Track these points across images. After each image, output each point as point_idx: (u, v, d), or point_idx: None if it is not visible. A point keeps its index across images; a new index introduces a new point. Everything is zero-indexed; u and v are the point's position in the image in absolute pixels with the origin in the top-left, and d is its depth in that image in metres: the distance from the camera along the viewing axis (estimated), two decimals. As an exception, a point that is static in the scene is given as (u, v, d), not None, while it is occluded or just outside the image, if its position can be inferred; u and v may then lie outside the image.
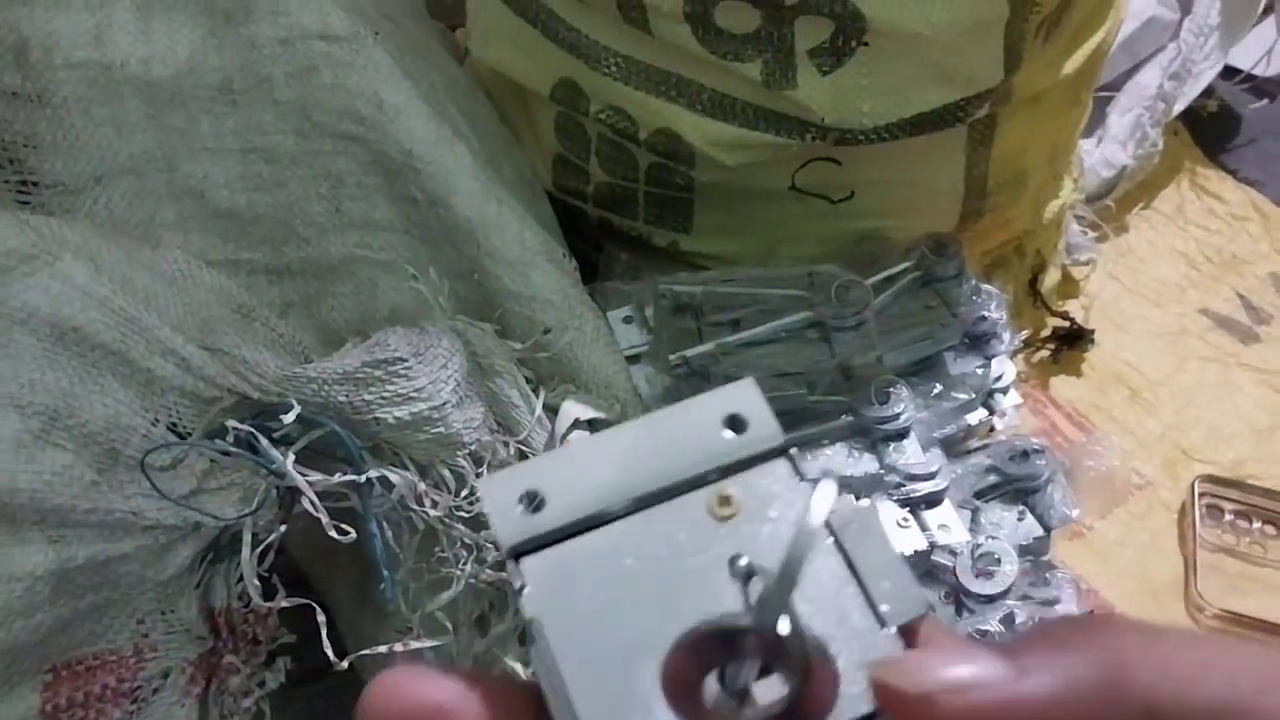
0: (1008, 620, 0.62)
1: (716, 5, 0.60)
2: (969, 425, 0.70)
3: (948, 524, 0.64)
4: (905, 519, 0.63)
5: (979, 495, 0.69)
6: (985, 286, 0.71)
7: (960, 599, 0.63)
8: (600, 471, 0.27)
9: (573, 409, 0.59)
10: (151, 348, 0.49)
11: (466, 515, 0.55)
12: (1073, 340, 0.95)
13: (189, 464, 0.50)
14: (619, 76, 0.67)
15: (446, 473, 0.55)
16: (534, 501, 0.27)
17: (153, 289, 0.52)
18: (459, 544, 0.55)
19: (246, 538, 0.51)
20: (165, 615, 0.50)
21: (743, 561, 0.26)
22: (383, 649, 0.54)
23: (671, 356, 0.63)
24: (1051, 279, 0.92)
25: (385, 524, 0.54)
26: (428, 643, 0.55)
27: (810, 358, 0.63)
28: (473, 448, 0.55)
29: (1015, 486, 0.69)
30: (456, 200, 0.61)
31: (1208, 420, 0.93)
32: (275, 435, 0.51)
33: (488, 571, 0.56)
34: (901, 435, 0.63)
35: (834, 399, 0.63)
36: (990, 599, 0.63)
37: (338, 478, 0.52)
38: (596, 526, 0.27)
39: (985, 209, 0.76)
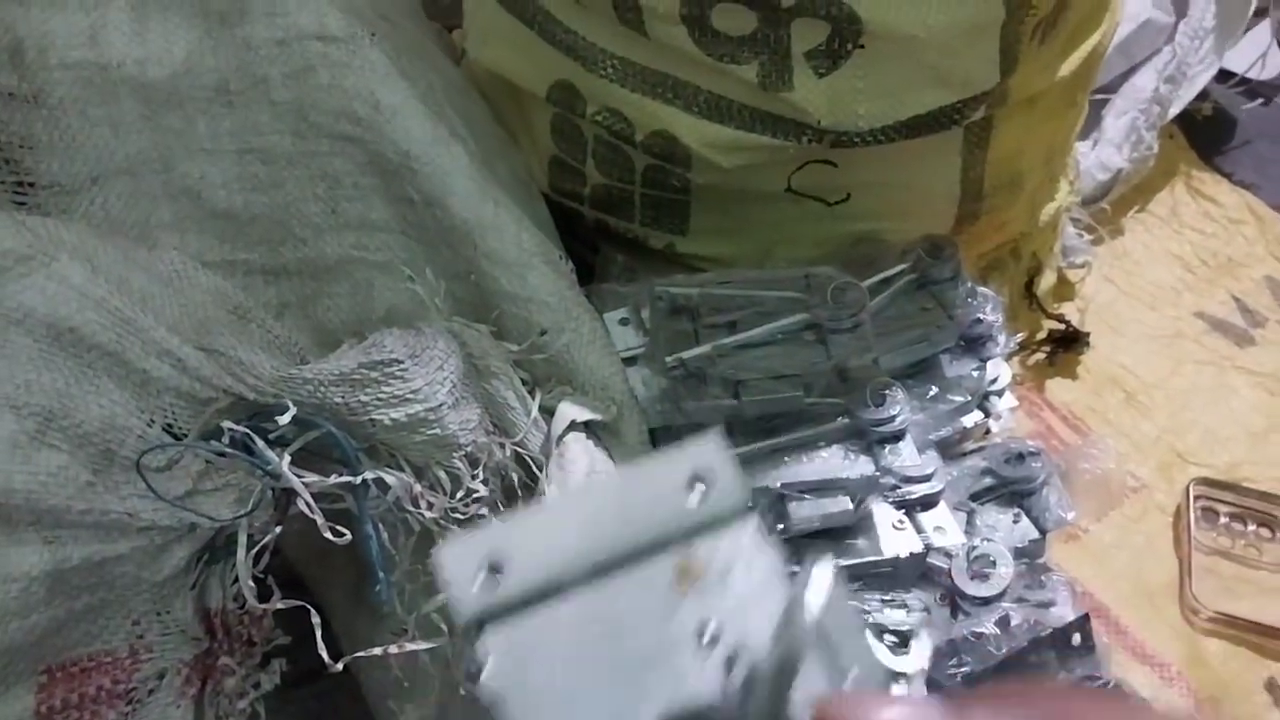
0: (1003, 622, 0.62)
1: (713, 7, 0.60)
2: (965, 428, 0.70)
3: (943, 526, 0.64)
4: (901, 521, 0.63)
5: (974, 498, 0.69)
6: (981, 289, 0.71)
7: (956, 601, 0.63)
8: (562, 536, 0.26)
9: (569, 410, 0.59)
10: (147, 348, 0.49)
11: (462, 517, 0.55)
12: (1068, 343, 0.95)
13: (184, 465, 0.50)
14: (615, 78, 0.67)
15: (442, 474, 0.55)
16: (494, 569, 0.26)
17: (149, 290, 0.52)
18: (455, 545, 0.55)
19: (242, 539, 0.51)
20: (160, 616, 0.50)
21: (709, 630, 0.25)
22: (378, 651, 0.54)
23: (668, 358, 0.63)
24: (1047, 282, 0.92)
25: (381, 525, 0.54)
26: (423, 645, 0.55)
27: (806, 359, 0.63)
28: (469, 449, 0.55)
29: (1011, 489, 0.69)
30: (453, 201, 0.61)
31: (1203, 423, 0.93)
32: (271, 436, 0.51)
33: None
34: (897, 437, 0.63)
35: (830, 401, 0.63)
36: (986, 601, 0.63)
37: (333, 479, 0.51)
38: (559, 593, 0.26)
39: (981, 211, 0.76)
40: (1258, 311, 1.02)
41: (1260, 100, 1.14)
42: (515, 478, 0.58)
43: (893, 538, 0.62)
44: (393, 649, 0.55)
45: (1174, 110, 1.01)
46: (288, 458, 0.51)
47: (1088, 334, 0.95)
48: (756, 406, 0.62)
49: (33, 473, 0.44)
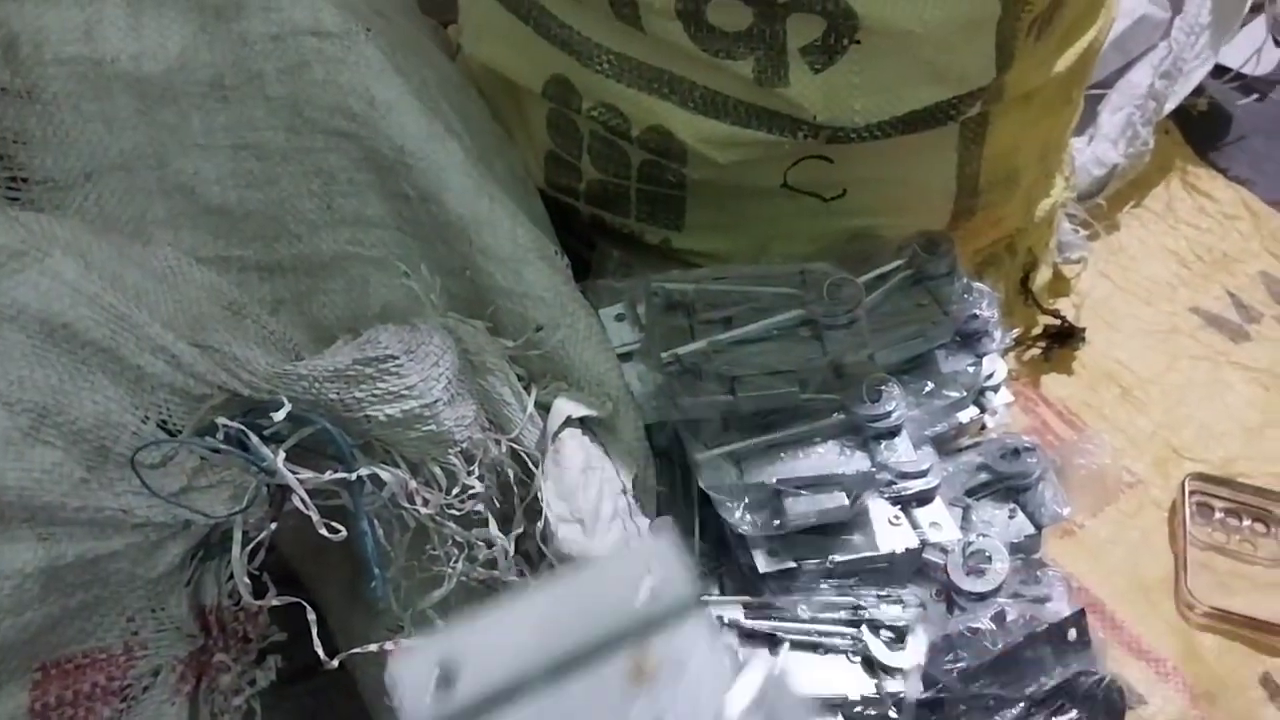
0: (999, 618, 0.62)
1: (709, 3, 0.60)
2: (960, 423, 0.70)
3: (939, 522, 0.64)
4: (897, 517, 0.63)
5: (970, 493, 0.69)
6: (977, 285, 0.71)
7: (951, 597, 0.64)
8: (515, 639, 0.27)
9: (564, 406, 0.59)
10: (141, 345, 0.49)
11: (458, 513, 0.55)
12: (1064, 338, 0.95)
13: (179, 461, 0.50)
14: (611, 74, 0.67)
15: (438, 470, 0.55)
16: (448, 676, 0.26)
17: (143, 286, 0.52)
18: (450, 542, 0.55)
19: (237, 535, 0.51)
20: (155, 613, 0.50)
21: None
22: (373, 647, 0.54)
23: (664, 354, 0.63)
24: (1043, 277, 0.92)
25: (376, 522, 0.54)
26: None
27: (802, 355, 0.63)
28: (464, 445, 0.54)
29: (1006, 484, 0.69)
30: (448, 197, 0.61)
31: (1198, 418, 0.94)
32: (266, 433, 0.51)
33: (479, 570, 0.56)
34: (893, 433, 0.63)
35: (826, 397, 0.63)
36: (981, 597, 0.63)
37: (328, 475, 0.51)
38: (514, 697, 0.26)
39: (977, 207, 0.76)
40: (1252, 307, 1.02)
41: (1255, 96, 1.14)
42: (511, 474, 0.58)
43: (888, 533, 0.62)
44: (388, 645, 0.55)
45: (1169, 106, 1.01)
46: (283, 454, 0.50)
47: (1083, 329, 0.95)
48: (752, 402, 0.62)
49: (26, 469, 0.44)
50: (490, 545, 0.55)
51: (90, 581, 0.47)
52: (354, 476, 0.52)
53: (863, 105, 0.63)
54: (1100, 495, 0.85)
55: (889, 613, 0.60)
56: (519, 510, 0.58)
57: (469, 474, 0.55)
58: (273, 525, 0.53)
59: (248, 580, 0.51)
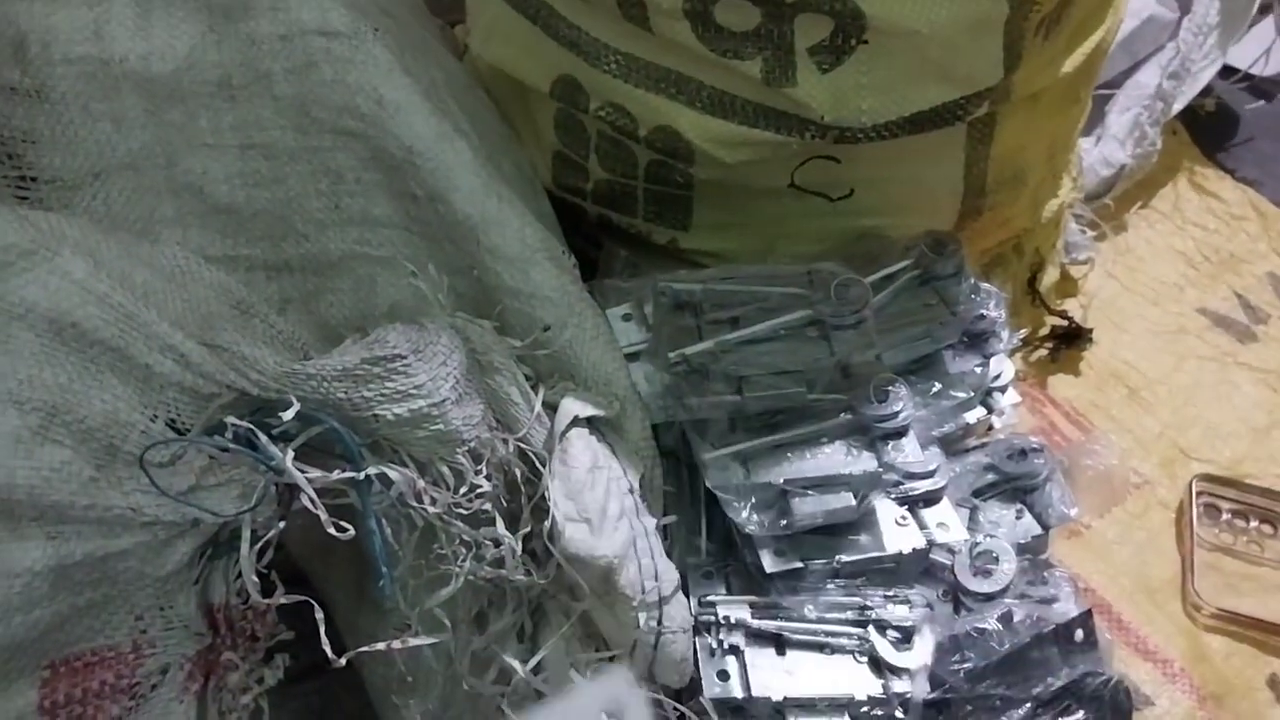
0: (1006, 618, 0.62)
1: (716, 2, 0.60)
2: (967, 423, 0.70)
3: (946, 522, 0.64)
4: (904, 517, 0.63)
5: (977, 493, 0.69)
6: (984, 285, 0.71)
7: (958, 597, 0.64)
8: None
9: (572, 406, 0.59)
10: (150, 344, 0.49)
11: (465, 512, 0.55)
12: (1071, 339, 0.95)
13: (188, 460, 0.50)
14: (619, 74, 0.67)
15: (445, 470, 0.55)
16: None
17: (151, 285, 0.52)
18: (457, 541, 0.55)
19: (245, 534, 0.51)
20: (164, 611, 0.50)
21: None
22: (381, 646, 0.54)
23: (671, 354, 0.63)
24: (1050, 277, 0.92)
25: (384, 521, 0.54)
26: (426, 640, 0.55)
27: (809, 355, 0.63)
28: (472, 445, 0.54)
29: (1013, 485, 0.69)
30: (456, 197, 0.61)
31: (1205, 419, 0.93)
32: (274, 432, 0.51)
33: (486, 568, 0.56)
34: (900, 433, 0.63)
35: (833, 397, 0.63)
36: (988, 597, 0.63)
37: (336, 474, 0.51)
38: None
39: (984, 207, 0.76)
40: (1260, 308, 1.02)
41: (1263, 97, 1.14)
42: (518, 473, 0.58)
43: (896, 534, 0.62)
44: (396, 644, 0.55)
45: (1177, 106, 1.01)
46: (291, 453, 0.51)
47: (1090, 330, 0.95)
48: (759, 402, 0.62)
49: (35, 468, 0.44)
50: (497, 544, 0.55)
51: (99, 580, 0.47)
52: (362, 475, 0.52)
53: (870, 105, 0.63)
54: (1107, 496, 0.85)
55: (896, 613, 0.60)
56: (526, 509, 0.58)
57: (477, 473, 0.55)
58: (281, 524, 0.53)
59: (256, 579, 0.52)
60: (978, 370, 0.70)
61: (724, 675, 0.59)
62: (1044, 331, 0.95)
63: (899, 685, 0.59)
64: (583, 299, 0.62)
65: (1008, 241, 0.85)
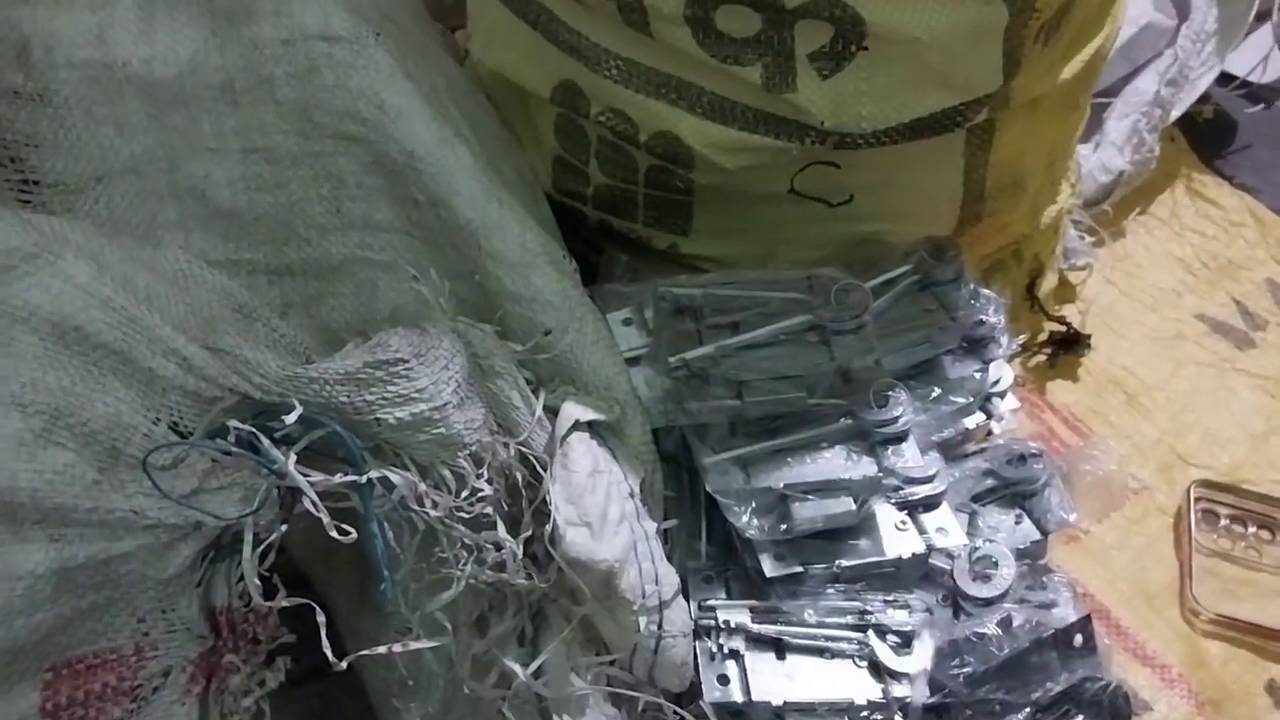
0: (1005, 623, 0.62)
1: (717, 8, 0.60)
2: (967, 429, 0.70)
3: (945, 527, 0.64)
4: (903, 522, 0.63)
5: (977, 499, 0.69)
6: (983, 291, 0.71)
7: (958, 602, 0.64)
8: None
9: (573, 410, 0.59)
10: (153, 347, 0.49)
11: (467, 516, 0.55)
12: (1069, 345, 0.95)
13: (190, 463, 0.50)
14: (619, 79, 0.67)
15: (447, 473, 0.55)
16: None
17: (154, 288, 0.52)
18: (459, 544, 0.55)
19: (248, 537, 0.51)
20: (166, 614, 0.50)
21: None
22: (382, 649, 0.54)
23: (671, 359, 0.63)
24: (1049, 283, 0.92)
25: (386, 524, 0.54)
26: (427, 643, 0.55)
27: (809, 360, 0.64)
28: (473, 448, 0.55)
29: (1012, 490, 0.70)
30: (457, 201, 0.61)
31: (1204, 425, 0.94)
32: (276, 435, 0.51)
33: (487, 572, 0.56)
34: (900, 438, 0.63)
35: (833, 402, 0.63)
36: (988, 602, 0.63)
37: (339, 478, 0.51)
38: None
39: (983, 213, 0.76)
40: (1258, 314, 1.02)
41: (1261, 104, 1.15)
42: (519, 477, 0.58)
43: (895, 538, 0.62)
44: (397, 647, 0.55)
45: (1175, 113, 1.01)
46: (293, 457, 0.51)
47: (1089, 336, 0.95)
48: (759, 407, 0.62)
49: (38, 471, 0.44)
50: (499, 548, 0.56)
51: (101, 582, 0.47)
52: (364, 479, 0.52)
53: (870, 111, 0.64)
54: (1106, 501, 0.85)
55: (895, 617, 0.60)
56: (527, 513, 0.58)
57: (478, 477, 0.55)
58: (283, 527, 0.53)
59: (258, 582, 0.52)
60: (977, 375, 0.70)
61: (724, 679, 0.59)
62: (1043, 337, 0.96)
63: (898, 690, 0.59)
64: (583, 304, 0.63)
65: (1007, 247, 0.85)
